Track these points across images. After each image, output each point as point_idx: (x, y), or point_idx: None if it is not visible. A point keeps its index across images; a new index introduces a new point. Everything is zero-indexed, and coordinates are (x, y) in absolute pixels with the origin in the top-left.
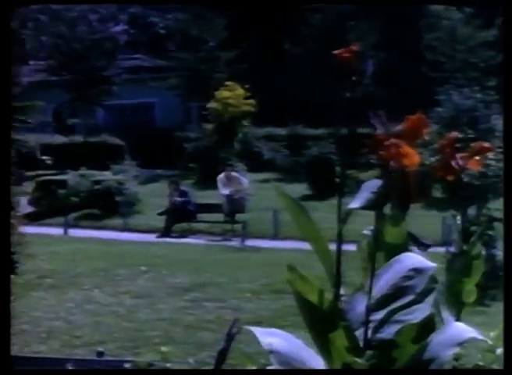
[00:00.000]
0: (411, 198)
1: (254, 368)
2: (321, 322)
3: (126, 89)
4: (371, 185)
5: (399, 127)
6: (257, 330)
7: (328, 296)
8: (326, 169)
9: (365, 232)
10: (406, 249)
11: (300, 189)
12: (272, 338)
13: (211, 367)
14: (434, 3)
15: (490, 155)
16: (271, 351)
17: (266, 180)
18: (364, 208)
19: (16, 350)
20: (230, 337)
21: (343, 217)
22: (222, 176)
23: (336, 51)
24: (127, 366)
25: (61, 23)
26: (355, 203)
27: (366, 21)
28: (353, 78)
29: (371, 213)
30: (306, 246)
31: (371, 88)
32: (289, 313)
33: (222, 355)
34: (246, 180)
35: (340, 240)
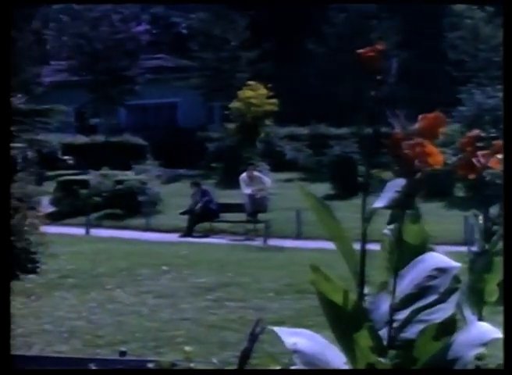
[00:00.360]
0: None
1: (277, 368)
2: (345, 322)
3: (148, 89)
4: (395, 184)
5: (416, 126)
6: (280, 330)
7: (352, 296)
8: (349, 168)
9: (386, 231)
10: (427, 248)
11: (322, 188)
12: (296, 338)
13: (235, 367)
14: (436, 3)
15: None
16: (295, 351)
17: (289, 180)
18: (388, 207)
19: (37, 350)
20: (254, 337)
21: (368, 217)
22: (244, 175)
23: (360, 51)
24: (150, 365)
25: (83, 23)
26: (379, 202)
27: (388, 20)
28: (378, 77)
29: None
30: (329, 246)
31: (395, 87)
32: (312, 313)
33: (246, 355)
34: (268, 180)
35: (364, 239)
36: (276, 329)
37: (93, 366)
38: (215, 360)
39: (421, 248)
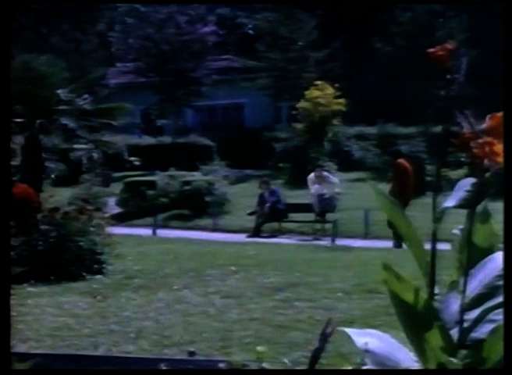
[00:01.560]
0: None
1: (349, 368)
2: (417, 321)
3: (215, 90)
4: (465, 184)
5: (484, 125)
6: (351, 331)
7: (423, 295)
8: (416, 167)
9: (455, 231)
10: (497, 248)
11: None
12: (366, 338)
13: (306, 367)
14: (435, 2)
15: None
16: (366, 351)
17: (356, 180)
18: (459, 207)
19: (104, 350)
20: (325, 337)
21: (439, 216)
22: (312, 175)
23: (430, 50)
24: (221, 365)
25: (149, 25)
26: (450, 202)
27: (455, 18)
28: (448, 76)
29: (461, 212)
30: None
31: (465, 86)
32: (380, 313)
33: (317, 355)
34: (336, 180)
35: (435, 239)
36: (346, 329)
37: (163, 366)
38: (286, 360)
39: (491, 248)
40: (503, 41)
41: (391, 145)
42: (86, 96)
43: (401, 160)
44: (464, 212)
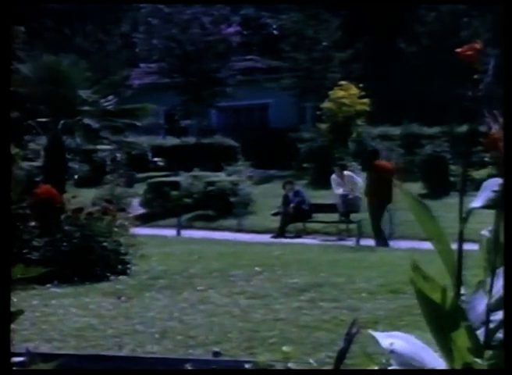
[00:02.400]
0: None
1: (375, 368)
2: (443, 321)
3: (239, 90)
4: (492, 184)
5: None
6: (375, 333)
7: (450, 295)
8: (440, 167)
9: (483, 231)
10: None
11: (415, 188)
12: (392, 339)
13: (331, 367)
14: (436, 3)
15: None
16: (391, 352)
17: None
18: (485, 207)
19: (128, 350)
20: (350, 338)
21: (465, 216)
22: (335, 175)
23: (458, 49)
24: (247, 366)
25: (173, 25)
26: (477, 202)
27: (480, 18)
28: (476, 76)
29: (487, 212)
30: (421, 246)
31: (493, 86)
32: (405, 313)
33: (342, 356)
34: (360, 180)
35: (461, 239)
36: (371, 331)
37: (188, 367)
38: (311, 360)
39: None
40: (503, 41)
41: (415, 146)
42: (110, 97)
43: (378, 161)
44: (489, 212)
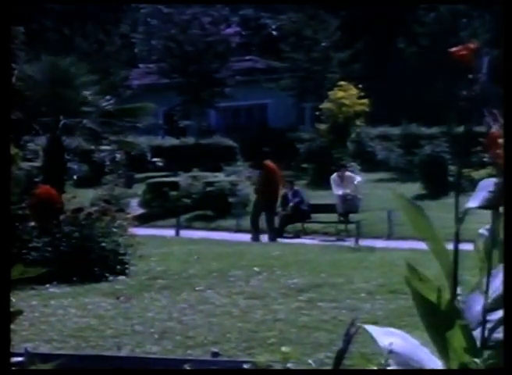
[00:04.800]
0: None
1: (373, 368)
2: (439, 321)
3: (239, 91)
4: (488, 184)
5: None
6: (374, 330)
7: (446, 295)
8: (439, 168)
9: (481, 231)
10: None
11: (414, 188)
12: (390, 338)
13: (330, 368)
14: (434, 2)
15: None
16: (390, 351)
17: (380, 180)
18: (481, 207)
19: (127, 350)
20: (349, 338)
21: (461, 217)
22: (335, 176)
23: (452, 49)
24: (246, 366)
25: (172, 26)
26: (473, 202)
27: (479, 18)
28: (470, 76)
29: (484, 212)
30: (420, 246)
31: (488, 86)
32: (404, 314)
33: (341, 356)
34: (360, 180)
35: (457, 239)
36: (369, 329)
37: (187, 367)
38: (310, 361)
39: None
40: (503, 41)
41: (415, 146)
42: (108, 97)
43: (268, 162)
44: (486, 212)
